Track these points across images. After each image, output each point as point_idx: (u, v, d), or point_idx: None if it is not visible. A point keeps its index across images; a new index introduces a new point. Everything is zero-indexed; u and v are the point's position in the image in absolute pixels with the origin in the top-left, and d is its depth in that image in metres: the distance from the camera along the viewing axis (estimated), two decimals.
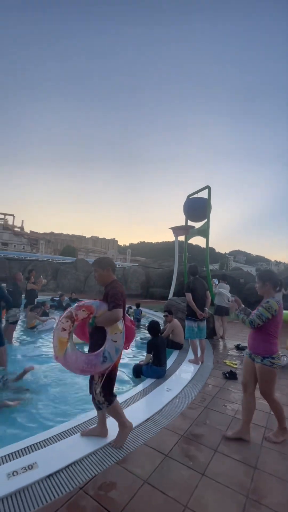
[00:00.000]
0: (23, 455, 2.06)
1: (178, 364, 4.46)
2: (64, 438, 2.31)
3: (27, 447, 2.16)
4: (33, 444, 2.20)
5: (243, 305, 2.65)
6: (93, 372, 2.07)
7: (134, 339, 6.22)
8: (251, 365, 2.45)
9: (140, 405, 3.02)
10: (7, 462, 1.98)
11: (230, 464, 2.12)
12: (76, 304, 2.19)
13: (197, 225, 10.73)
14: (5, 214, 67.85)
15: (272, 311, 2.28)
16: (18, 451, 2.11)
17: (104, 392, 2.18)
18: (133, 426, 2.54)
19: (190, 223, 10.97)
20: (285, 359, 4.62)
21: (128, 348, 2.67)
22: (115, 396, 2.29)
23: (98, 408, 2.28)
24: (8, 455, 2.06)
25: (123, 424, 2.30)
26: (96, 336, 2.17)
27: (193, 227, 10.85)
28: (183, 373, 4.10)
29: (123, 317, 2.24)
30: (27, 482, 1.80)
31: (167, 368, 4.12)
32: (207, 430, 2.58)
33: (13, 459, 2.01)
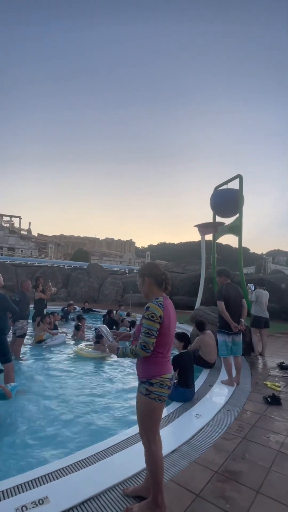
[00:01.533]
0: (34, 487, 2.09)
1: (209, 386, 4.35)
2: (79, 469, 2.31)
3: (38, 478, 2.19)
4: (45, 475, 2.22)
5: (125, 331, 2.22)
6: None
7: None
8: None
9: (164, 433, 2.95)
10: (15, 494, 2.01)
11: (276, 509, 2.00)
12: None
13: (228, 221, 10.50)
14: (11, 216, 70.94)
15: (156, 318, 1.84)
16: (27, 482, 2.14)
17: None
18: None
19: (219, 219, 10.76)
20: None
21: None
22: None
23: None
24: (17, 486, 2.09)
25: None
26: None
27: (223, 223, 10.63)
28: (215, 396, 3.99)
29: None
30: None
31: (195, 390, 4.04)
32: (247, 466, 2.47)
33: (23, 492, 2.04)
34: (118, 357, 2.00)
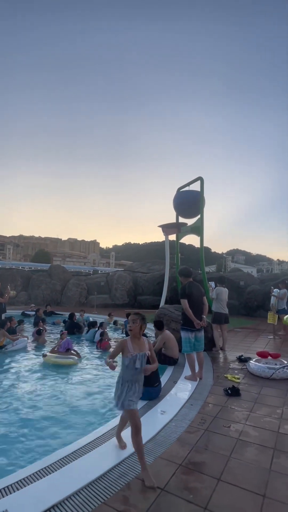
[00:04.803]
0: None
1: (173, 382, 4.46)
2: (40, 478, 2.24)
3: None
4: (4, 488, 2.12)
5: None
6: None
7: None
8: None
9: (129, 433, 2.97)
10: None
11: (235, 494, 2.12)
12: None
13: (190, 221, 10.83)
14: None
15: None
16: None
17: None
18: (123, 457, 2.52)
19: (181, 220, 11.07)
20: (286, 369, 4.71)
21: None
22: None
23: None
24: None
25: None
26: None
27: (185, 224, 10.95)
28: (179, 392, 4.10)
29: None
30: None
31: (161, 387, 4.11)
32: (209, 457, 2.58)
33: None
34: None
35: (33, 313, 11.55)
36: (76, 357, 6.13)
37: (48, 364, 5.87)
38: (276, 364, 4.98)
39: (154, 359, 2.59)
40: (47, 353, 6.19)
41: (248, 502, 2.04)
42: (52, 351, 6.35)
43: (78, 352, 6.54)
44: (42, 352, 6.44)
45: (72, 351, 6.39)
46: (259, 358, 5.39)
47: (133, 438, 2.35)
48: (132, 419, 2.39)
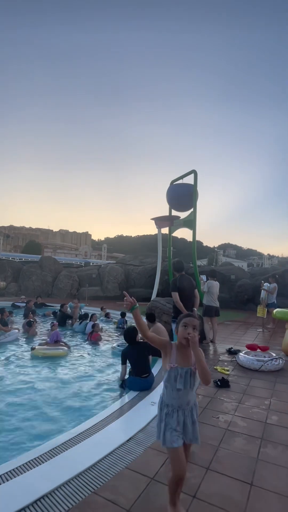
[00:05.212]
0: None
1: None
2: (31, 469, 2.24)
3: None
4: None
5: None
6: None
7: (112, 347, 6.28)
8: None
9: (120, 423, 3.01)
10: None
11: (223, 483, 2.17)
12: None
13: (183, 215, 10.80)
14: None
15: None
16: None
17: None
18: (113, 447, 2.54)
19: (174, 213, 11.03)
20: (280, 361, 4.83)
21: None
22: None
23: None
24: None
25: None
26: None
27: (178, 217, 10.92)
28: None
29: None
30: None
31: (153, 378, 4.15)
32: (198, 447, 2.61)
33: None
34: None
35: (24, 304, 11.44)
36: (65, 348, 6.12)
37: (37, 356, 5.84)
38: (265, 357, 5.08)
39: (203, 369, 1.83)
40: (36, 347, 6.15)
41: (235, 490, 2.09)
42: (41, 344, 6.32)
43: (67, 343, 6.53)
44: (31, 346, 6.40)
45: (61, 343, 6.37)
46: (249, 350, 5.49)
47: (171, 484, 1.80)
48: (173, 463, 1.76)
